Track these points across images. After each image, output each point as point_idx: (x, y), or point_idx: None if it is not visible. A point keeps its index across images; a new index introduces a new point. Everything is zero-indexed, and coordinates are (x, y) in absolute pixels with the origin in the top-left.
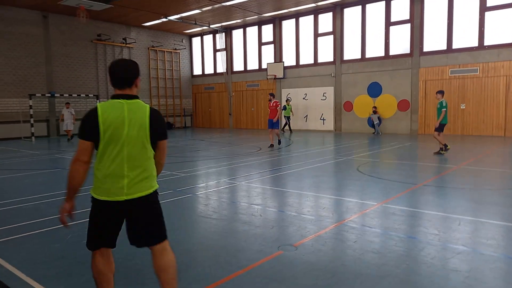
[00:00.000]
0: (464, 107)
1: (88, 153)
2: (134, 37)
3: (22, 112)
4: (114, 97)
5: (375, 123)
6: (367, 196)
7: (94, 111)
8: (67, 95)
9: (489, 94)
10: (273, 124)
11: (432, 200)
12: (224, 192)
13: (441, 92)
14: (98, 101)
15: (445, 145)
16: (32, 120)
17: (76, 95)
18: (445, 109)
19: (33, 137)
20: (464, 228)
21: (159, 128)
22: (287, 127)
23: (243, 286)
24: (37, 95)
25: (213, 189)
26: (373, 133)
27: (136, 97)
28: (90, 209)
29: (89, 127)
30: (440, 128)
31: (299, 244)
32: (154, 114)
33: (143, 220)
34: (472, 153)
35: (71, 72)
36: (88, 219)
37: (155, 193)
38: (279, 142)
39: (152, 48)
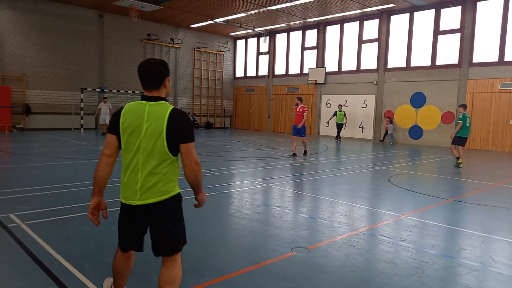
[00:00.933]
0: None
1: (111, 146)
2: (181, 37)
3: (74, 104)
4: (142, 98)
5: (389, 133)
6: (392, 207)
7: (120, 110)
8: (116, 90)
9: None
10: (298, 131)
11: (459, 216)
12: (249, 193)
13: (463, 106)
14: None
15: (457, 158)
16: (82, 113)
17: (123, 91)
18: (461, 121)
19: (82, 129)
20: (487, 246)
21: (179, 130)
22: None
23: (253, 281)
24: (88, 89)
25: (240, 188)
26: (390, 143)
27: (161, 98)
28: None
29: (114, 122)
30: (456, 141)
31: (313, 248)
32: (175, 116)
33: (156, 228)
34: None
35: (121, 69)
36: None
37: (173, 199)
38: (305, 153)
39: (198, 49)
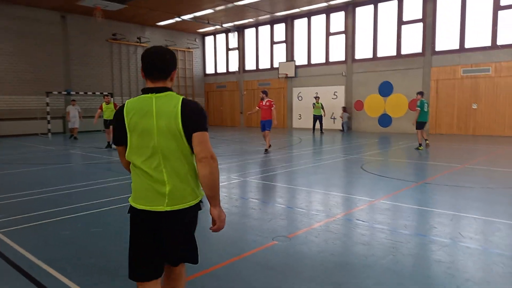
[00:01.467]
0: (476, 107)
1: (124, 153)
2: (148, 36)
3: (39, 109)
4: (144, 91)
5: (343, 121)
6: (365, 193)
7: (121, 110)
8: (83, 93)
9: (501, 94)
10: (264, 126)
11: (428, 197)
12: (226, 187)
13: (420, 93)
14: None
15: (420, 144)
16: (48, 117)
17: (91, 93)
18: (419, 108)
19: (49, 134)
20: (455, 224)
21: (192, 118)
22: (317, 127)
23: (236, 271)
24: (54, 92)
25: None
26: (341, 131)
27: (168, 89)
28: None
29: (118, 130)
30: (418, 126)
31: (293, 236)
32: (187, 104)
33: (178, 235)
34: (480, 153)
35: (87, 70)
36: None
37: (198, 205)
38: (266, 150)
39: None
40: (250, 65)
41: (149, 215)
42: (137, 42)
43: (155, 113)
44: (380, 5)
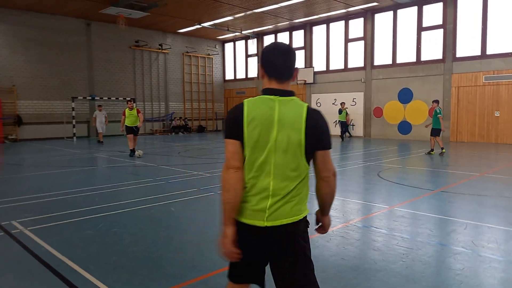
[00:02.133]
0: (498, 115)
1: (237, 155)
2: (170, 43)
3: (65, 113)
4: (266, 91)
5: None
6: (381, 200)
7: (240, 108)
8: (106, 98)
9: None
10: None
11: (443, 205)
12: None
13: (437, 102)
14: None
15: (431, 149)
16: (74, 122)
17: (114, 98)
18: (441, 115)
19: (74, 137)
20: (469, 232)
21: (318, 133)
22: (347, 133)
23: None
24: (79, 97)
25: None
26: (348, 136)
27: (291, 93)
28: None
29: (233, 125)
30: (435, 133)
31: None
32: (313, 116)
33: (286, 258)
34: (501, 161)
35: (110, 76)
36: None
37: (304, 221)
38: None
39: (187, 54)
40: None
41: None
42: (159, 48)
43: (277, 122)
44: (399, 11)
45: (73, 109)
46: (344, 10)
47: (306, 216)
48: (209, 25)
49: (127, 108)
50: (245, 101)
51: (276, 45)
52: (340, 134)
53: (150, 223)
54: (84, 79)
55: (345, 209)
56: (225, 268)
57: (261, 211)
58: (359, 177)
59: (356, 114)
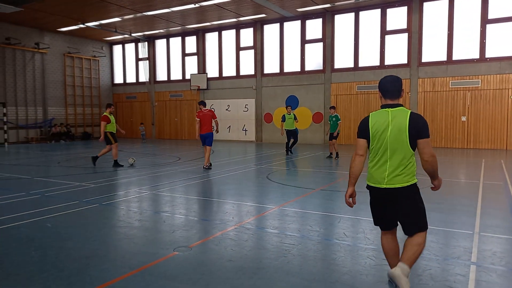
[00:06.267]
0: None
1: (363, 148)
2: (48, 42)
3: None
4: (383, 106)
5: (142, 133)
6: (269, 201)
7: (367, 118)
8: None
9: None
10: (205, 140)
11: (321, 203)
12: (133, 201)
13: (334, 108)
14: (4, 109)
15: (330, 153)
16: None
17: None
18: (340, 121)
19: None
20: (341, 225)
21: (417, 128)
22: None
23: (133, 284)
24: None
25: (123, 198)
26: (144, 141)
27: (400, 104)
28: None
29: (363, 129)
30: (332, 137)
31: (194, 245)
32: (414, 117)
33: (401, 209)
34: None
35: None
36: None
37: (412, 186)
38: (210, 166)
39: (69, 55)
40: (161, 76)
41: (376, 190)
42: (35, 47)
43: (390, 121)
44: (286, 24)
45: None
46: (235, 19)
47: (415, 183)
48: (94, 25)
49: (107, 113)
50: (370, 114)
51: (390, 77)
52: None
53: (16, 243)
54: None
55: (235, 212)
56: (108, 282)
57: (382, 178)
58: (249, 180)
59: (249, 120)
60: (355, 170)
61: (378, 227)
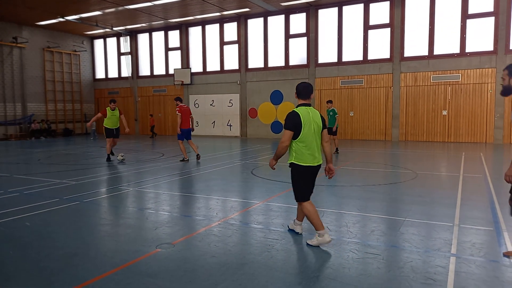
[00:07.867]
0: (352, 114)
1: (290, 137)
2: (27, 36)
3: None
4: (301, 105)
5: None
6: (253, 196)
7: (297, 114)
8: None
9: (371, 103)
10: (188, 135)
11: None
12: (115, 198)
13: (330, 102)
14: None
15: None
16: None
17: None
18: (337, 115)
19: None
20: (324, 219)
21: (323, 121)
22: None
23: (115, 282)
24: None
25: (104, 195)
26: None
27: (310, 104)
28: (292, 173)
29: (296, 123)
30: (331, 131)
31: (177, 242)
32: (321, 115)
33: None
34: (355, 155)
35: None
36: None
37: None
38: (198, 157)
39: (48, 49)
40: (144, 71)
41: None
42: (13, 42)
43: (312, 116)
44: (269, 18)
45: None
46: (218, 14)
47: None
48: (74, 19)
49: (109, 108)
50: (296, 109)
51: (305, 83)
52: None
53: None
54: None
55: (219, 208)
56: (89, 281)
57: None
58: (234, 175)
59: (233, 115)
60: (281, 153)
61: (309, 198)
